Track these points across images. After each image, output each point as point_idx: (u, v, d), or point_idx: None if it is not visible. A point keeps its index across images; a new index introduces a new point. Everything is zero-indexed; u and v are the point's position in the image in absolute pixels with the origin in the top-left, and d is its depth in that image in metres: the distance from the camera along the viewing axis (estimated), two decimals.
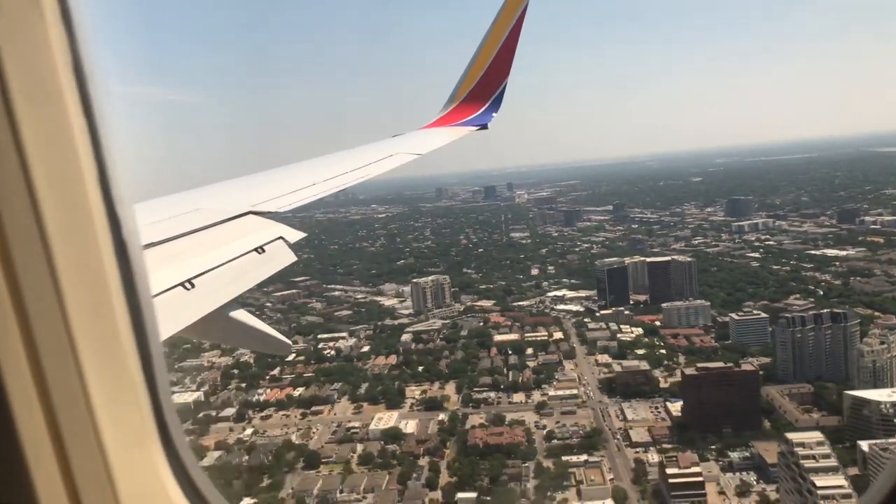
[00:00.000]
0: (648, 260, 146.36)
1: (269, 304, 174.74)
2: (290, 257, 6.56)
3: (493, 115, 14.95)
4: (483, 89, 14.83)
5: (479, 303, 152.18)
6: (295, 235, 6.93)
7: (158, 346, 2.12)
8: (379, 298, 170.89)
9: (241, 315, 5.76)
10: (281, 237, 6.69)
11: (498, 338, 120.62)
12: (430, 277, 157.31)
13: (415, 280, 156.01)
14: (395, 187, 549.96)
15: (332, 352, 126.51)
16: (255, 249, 6.17)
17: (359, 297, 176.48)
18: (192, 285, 5.05)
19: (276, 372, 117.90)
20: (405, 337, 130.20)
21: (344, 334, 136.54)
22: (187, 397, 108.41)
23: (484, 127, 14.73)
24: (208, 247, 5.93)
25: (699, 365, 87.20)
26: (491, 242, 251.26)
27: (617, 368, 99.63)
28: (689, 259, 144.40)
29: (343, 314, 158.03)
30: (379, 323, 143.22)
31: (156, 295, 4.51)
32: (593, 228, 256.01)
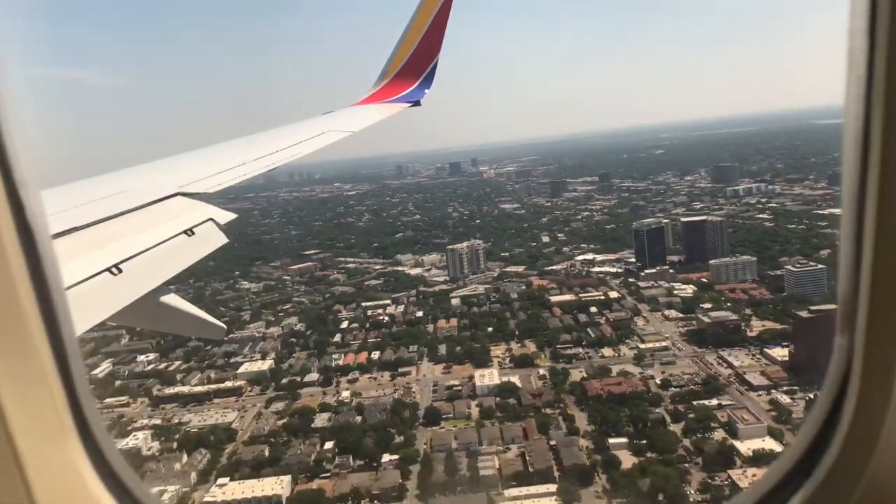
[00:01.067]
0: (684, 219, 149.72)
1: (287, 278, 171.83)
2: (220, 239, 6.47)
3: (426, 91, 14.88)
4: (415, 66, 14.68)
5: (508, 269, 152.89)
6: (225, 217, 6.83)
7: (73, 336, 2.01)
8: (401, 268, 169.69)
9: (173, 299, 5.73)
10: (211, 219, 6.61)
11: (554, 298, 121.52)
12: (464, 243, 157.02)
13: (450, 246, 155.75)
14: (350, 166, 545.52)
15: (385, 318, 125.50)
16: (185, 231, 6.09)
17: (377, 267, 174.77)
18: (120, 270, 4.95)
19: (337, 339, 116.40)
20: (454, 301, 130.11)
21: (387, 302, 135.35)
22: (260, 365, 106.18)
23: (417, 103, 14.67)
24: (136, 230, 5.80)
25: (812, 308, 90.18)
26: (484, 214, 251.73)
27: (694, 321, 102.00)
28: (720, 219, 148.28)
29: (372, 283, 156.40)
30: (419, 290, 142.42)
31: (82, 281, 4.52)
32: (583, 198, 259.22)
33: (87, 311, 4.41)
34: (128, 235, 5.64)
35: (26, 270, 1.82)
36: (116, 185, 7.28)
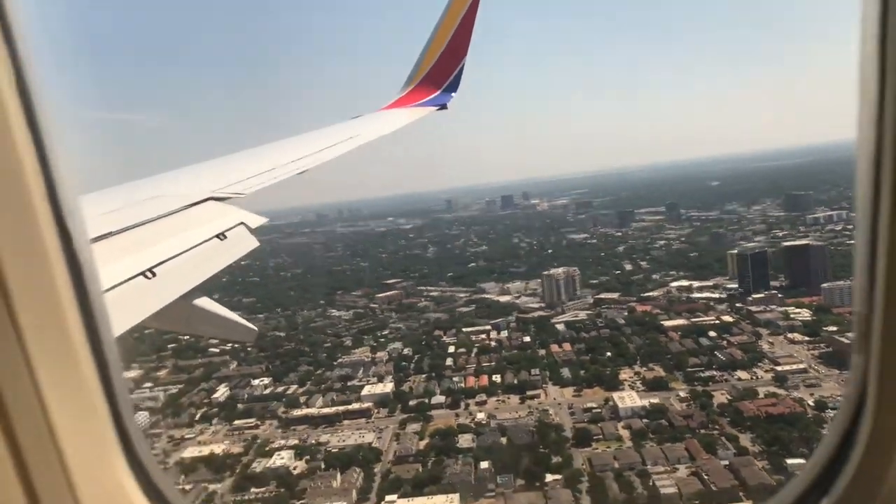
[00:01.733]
0: (786, 244, 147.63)
1: (374, 306, 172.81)
2: (252, 243, 6.47)
3: (452, 95, 14.88)
4: (441, 70, 14.71)
5: (601, 295, 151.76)
6: (256, 221, 6.80)
7: (114, 350, 2.03)
8: (487, 296, 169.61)
9: (206, 303, 5.69)
10: (242, 223, 6.60)
11: (667, 323, 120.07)
12: (560, 269, 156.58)
13: (546, 273, 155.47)
14: (396, 203, 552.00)
15: (492, 343, 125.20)
16: (217, 236, 6.11)
17: (462, 295, 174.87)
18: (154, 274, 4.98)
19: (449, 362, 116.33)
20: (559, 327, 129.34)
21: (487, 327, 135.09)
22: (381, 388, 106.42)
23: (443, 107, 14.70)
24: (169, 234, 5.82)
25: None
26: (553, 244, 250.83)
27: (823, 343, 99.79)
28: (821, 243, 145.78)
29: (463, 310, 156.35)
30: (518, 315, 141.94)
31: (117, 285, 4.55)
32: (654, 228, 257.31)
33: (122, 314, 4.47)
34: (161, 240, 5.70)
35: (71, 288, 1.82)
36: (150, 191, 7.32)
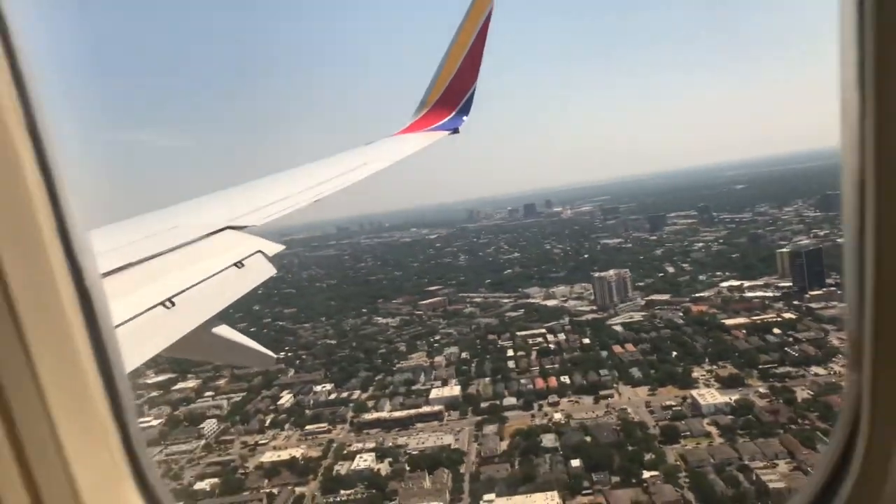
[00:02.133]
0: (840, 240, 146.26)
1: (419, 313, 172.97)
2: (269, 270, 6.51)
3: (464, 118, 14.97)
4: (452, 94, 14.87)
5: (652, 297, 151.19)
6: (273, 248, 6.86)
7: (125, 382, 2.03)
8: (532, 301, 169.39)
9: (224, 330, 5.77)
10: (259, 251, 6.64)
11: (728, 322, 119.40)
12: (611, 272, 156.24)
13: (597, 275, 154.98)
14: (415, 215, 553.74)
15: (551, 345, 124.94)
16: (235, 264, 6.16)
17: (506, 301, 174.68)
18: (173, 304, 5.01)
19: (511, 365, 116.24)
20: (617, 328, 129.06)
21: (542, 330, 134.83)
22: (449, 391, 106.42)
23: (455, 131, 14.76)
24: (187, 264, 5.89)
25: None
26: (586, 249, 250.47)
27: None
28: None
29: (512, 315, 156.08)
30: (571, 319, 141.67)
31: (137, 315, 4.59)
32: (688, 231, 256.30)
33: (142, 344, 4.53)
34: (179, 270, 5.76)
35: (82, 321, 1.82)
36: (168, 222, 7.42)
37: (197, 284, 5.62)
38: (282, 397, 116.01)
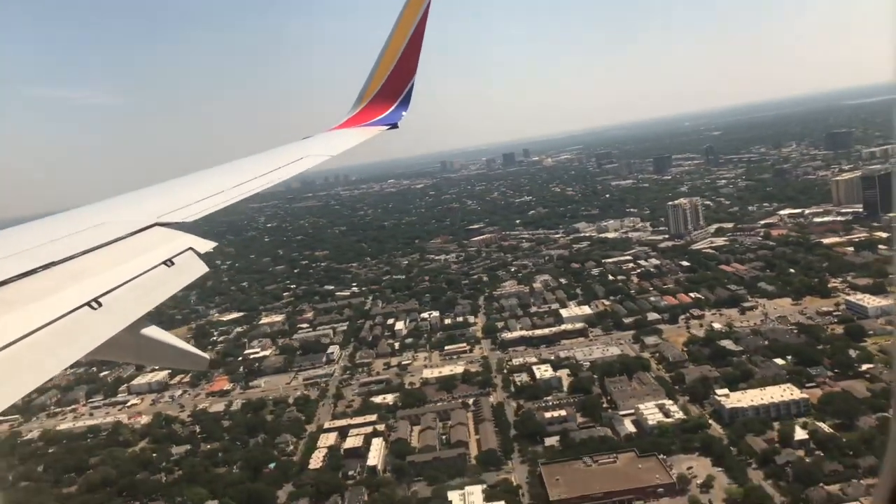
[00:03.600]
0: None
1: (472, 249, 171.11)
2: (200, 268, 6.44)
3: (403, 113, 15.11)
4: (391, 89, 15.04)
5: (717, 225, 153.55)
6: (205, 246, 6.79)
7: None
8: (587, 234, 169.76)
9: (154, 332, 5.80)
10: (190, 248, 6.60)
11: (826, 241, 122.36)
12: (684, 200, 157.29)
13: (672, 203, 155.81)
14: (373, 169, 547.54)
15: (649, 268, 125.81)
16: (164, 262, 6.13)
17: (556, 236, 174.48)
18: (100, 304, 4.97)
19: (619, 286, 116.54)
20: (707, 251, 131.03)
21: (627, 257, 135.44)
22: (578, 311, 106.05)
23: (394, 126, 14.95)
24: (115, 262, 5.84)
25: None
26: (601, 190, 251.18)
27: None
28: None
29: (579, 246, 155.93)
30: (653, 246, 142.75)
31: (61, 316, 4.56)
32: (699, 171, 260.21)
33: (67, 346, 4.41)
34: (107, 268, 5.64)
35: None
36: (94, 218, 7.26)
37: (125, 283, 5.38)
38: (393, 324, 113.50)
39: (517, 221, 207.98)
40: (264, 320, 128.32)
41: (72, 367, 4.68)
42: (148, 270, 5.82)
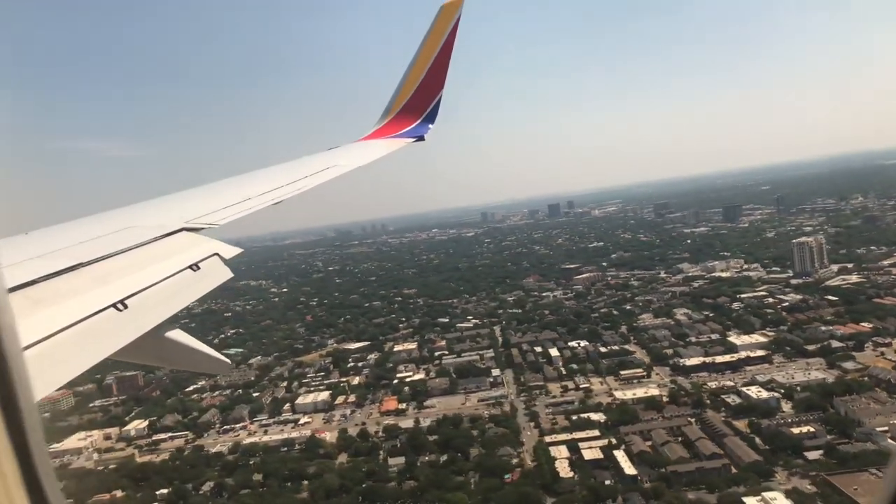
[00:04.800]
0: None
1: (577, 287, 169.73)
2: (225, 273, 6.53)
3: (430, 126, 15.14)
4: (418, 101, 15.06)
5: (838, 265, 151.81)
6: (230, 251, 6.87)
7: (33, 407, 1.79)
8: (694, 274, 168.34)
9: (178, 335, 5.85)
10: (216, 253, 6.68)
11: None
12: (809, 238, 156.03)
13: (797, 241, 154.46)
14: (411, 221, 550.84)
15: (794, 303, 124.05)
16: (190, 267, 6.19)
17: (663, 276, 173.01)
18: (125, 306, 5.02)
19: (766, 318, 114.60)
20: (843, 287, 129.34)
21: (762, 293, 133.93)
22: (752, 340, 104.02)
23: (420, 139, 14.92)
24: (141, 266, 5.91)
25: None
26: (676, 237, 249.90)
27: None
28: None
29: (696, 284, 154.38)
30: (784, 282, 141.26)
31: (87, 317, 4.59)
32: (770, 220, 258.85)
33: (92, 347, 4.44)
34: (133, 271, 5.66)
35: None
36: (123, 221, 7.25)
37: (151, 287, 5.44)
38: (547, 351, 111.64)
39: (604, 264, 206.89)
40: (397, 348, 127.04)
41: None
42: (173, 274, 5.84)
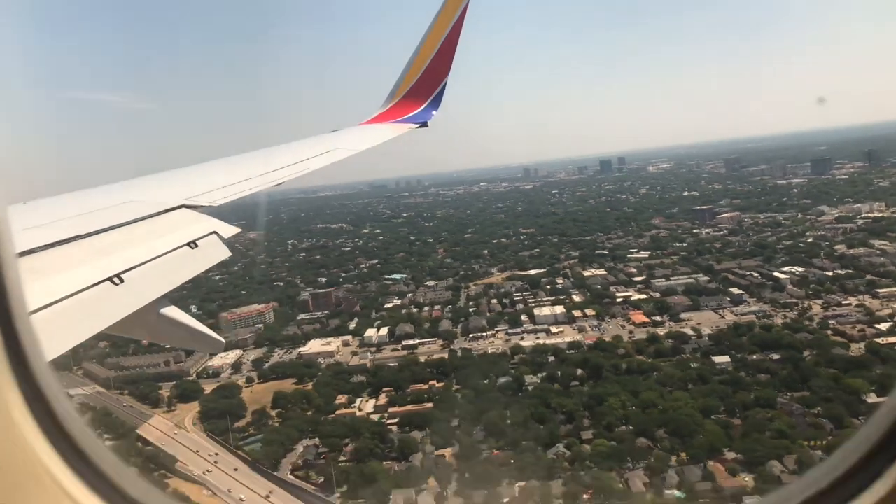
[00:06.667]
0: None
1: (724, 226, 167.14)
2: (223, 252, 6.45)
3: (434, 112, 15.00)
4: (424, 87, 14.87)
5: None
6: (229, 230, 6.80)
7: (44, 364, 1.82)
8: (834, 215, 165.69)
9: (173, 312, 5.65)
10: (214, 231, 6.58)
11: None
12: None
13: None
14: (454, 178, 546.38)
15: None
16: (188, 244, 6.07)
17: (800, 217, 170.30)
18: (122, 280, 4.91)
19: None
20: None
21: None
22: None
23: (424, 124, 14.78)
24: (139, 241, 5.79)
25: None
26: (778, 186, 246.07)
27: None
28: None
29: (852, 225, 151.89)
30: None
31: (83, 289, 4.53)
32: (868, 174, 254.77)
33: (87, 319, 4.40)
34: (131, 246, 5.59)
35: None
36: (122, 196, 7.23)
37: (148, 262, 5.39)
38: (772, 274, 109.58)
39: (723, 205, 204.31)
40: (586, 273, 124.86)
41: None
42: (171, 251, 5.76)
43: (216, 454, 68.89)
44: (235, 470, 65.54)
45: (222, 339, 7.05)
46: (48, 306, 4.10)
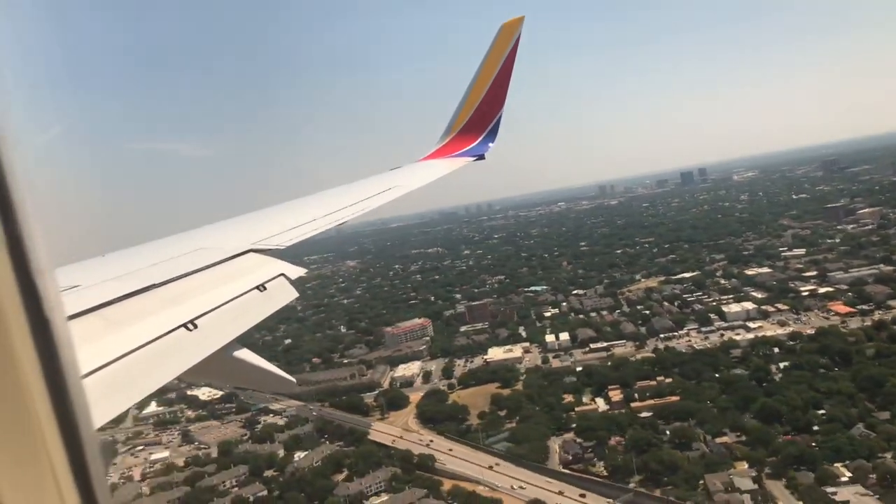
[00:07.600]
0: None
1: (853, 229, 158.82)
2: (291, 294, 6.53)
3: (490, 145, 14.90)
4: (479, 120, 14.84)
5: None
6: (296, 272, 6.89)
7: (92, 435, 1.72)
8: None
9: (245, 354, 5.70)
10: (282, 274, 6.68)
11: None
12: None
13: None
14: (522, 201, 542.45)
15: None
16: (257, 287, 6.19)
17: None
18: (195, 326, 5.04)
19: None
20: None
21: None
22: None
23: (481, 157, 14.71)
24: (210, 286, 5.89)
25: None
26: (888, 185, 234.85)
27: None
28: None
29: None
30: None
31: (159, 337, 4.62)
32: None
33: (163, 366, 4.49)
34: (203, 292, 5.67)
35: (39, 368, 1.55)
36: (192, 244, 7.30)
37: (219, 307, 5.55)
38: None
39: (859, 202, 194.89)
40: (750, 272, 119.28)
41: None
42: (241, 295, 5.91)
43: (449, 450, 67.39)
44: (497, 465, 64.35)
45: (293, 379, 7.03)
46: (127, 354, 4.14)
